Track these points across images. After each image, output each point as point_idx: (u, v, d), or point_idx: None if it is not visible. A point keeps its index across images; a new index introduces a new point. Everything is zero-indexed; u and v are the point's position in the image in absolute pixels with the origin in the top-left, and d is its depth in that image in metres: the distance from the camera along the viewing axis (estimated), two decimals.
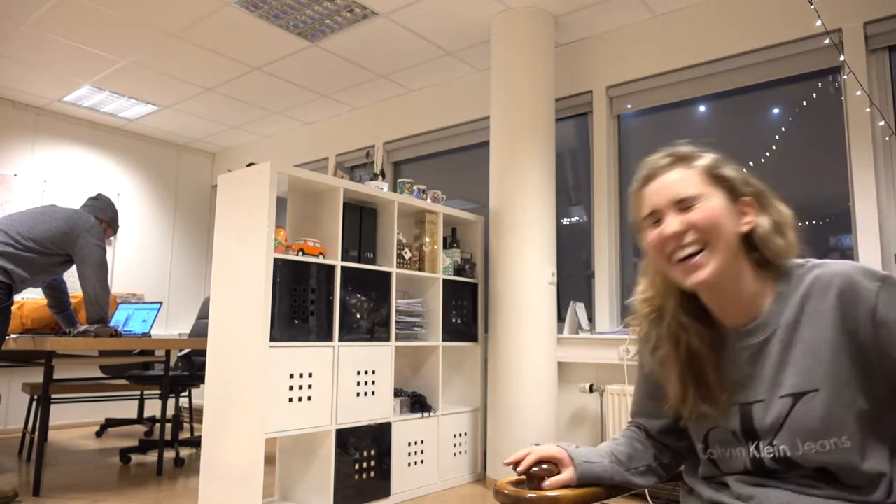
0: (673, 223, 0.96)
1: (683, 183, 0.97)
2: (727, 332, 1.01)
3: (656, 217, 0.99)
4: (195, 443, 4.12)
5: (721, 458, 1.00)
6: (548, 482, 1.03)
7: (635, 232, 1.05)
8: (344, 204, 2.97)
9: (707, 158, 0.99)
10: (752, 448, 0.95)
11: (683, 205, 0.96)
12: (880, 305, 0.88)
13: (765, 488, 0.94)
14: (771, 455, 0.93)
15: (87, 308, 3.26)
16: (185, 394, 4.76)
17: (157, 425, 4.75)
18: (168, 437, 3.93)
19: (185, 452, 4.13)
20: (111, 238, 3.75)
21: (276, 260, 2.65)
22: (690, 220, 0.95)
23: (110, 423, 4.93)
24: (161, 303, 4.21)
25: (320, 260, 2.86)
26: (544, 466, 1.07)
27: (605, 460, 1.07)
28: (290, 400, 2.65)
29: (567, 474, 1.03)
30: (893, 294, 0.89)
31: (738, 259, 0.96)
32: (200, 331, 4.16)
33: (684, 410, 1.03)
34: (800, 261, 0.98)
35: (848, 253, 2.96)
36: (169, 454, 3.90)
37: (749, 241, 0.97)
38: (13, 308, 3.56)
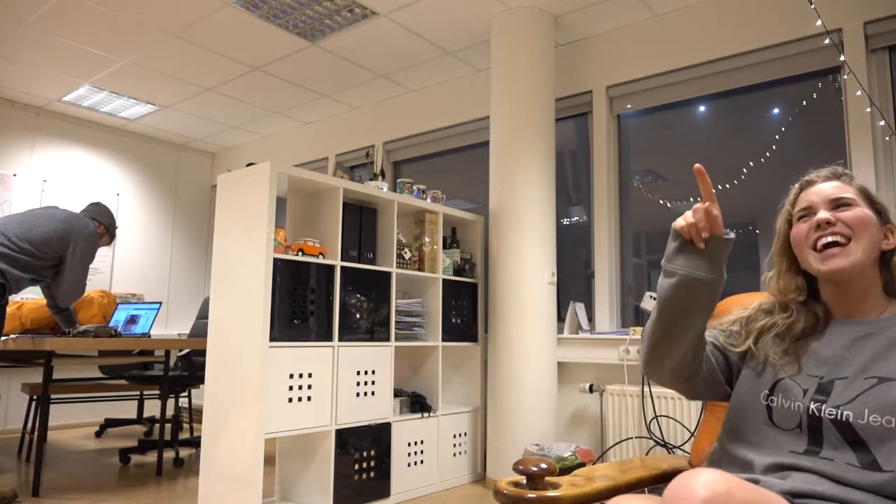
0: (825, 213, 1.08)
1: (840, 190, 1.11)
2: (835, 320, 1.11)
3: (809, 212, 1.11)
4: (195, 443, 4.11)
5: (778, 407, 1.05)
6: None
7: (782, 219, 1.18)
8: (344, 204, 2.97)
9: (861, 182, 1.14)
10: (813, 406, 1.01)
11: (837, 204, 1.09)
12: None
13: (794, 472, 0.98)
14: (832, 417, 0.98)
15: (58, 296, 3.32)
16: (185, 394, 4.76)
17: (157, 425, 4.75)
18: (168, 437, 3.92)
19: (184, 452, 4.12)
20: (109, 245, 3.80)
21: (275, 260, 2.65)
22: (841, 216, 1.07)
23: (110, 423, 4.92)
24: (161, 303, 4.21)
25: (320, 260, 2.86)
26: (543, 466, 1.07)
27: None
28: (290, 400, 2.65)
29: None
30: None
31: (875, 269, 1.09)
32: (200, 331, 4.16)
33: (765, 352, 1.13)
34: None
35: None
36: (168, 454, 3.90)
37: (882, 262, 1.10)
38: (12, 308, 3.57)
